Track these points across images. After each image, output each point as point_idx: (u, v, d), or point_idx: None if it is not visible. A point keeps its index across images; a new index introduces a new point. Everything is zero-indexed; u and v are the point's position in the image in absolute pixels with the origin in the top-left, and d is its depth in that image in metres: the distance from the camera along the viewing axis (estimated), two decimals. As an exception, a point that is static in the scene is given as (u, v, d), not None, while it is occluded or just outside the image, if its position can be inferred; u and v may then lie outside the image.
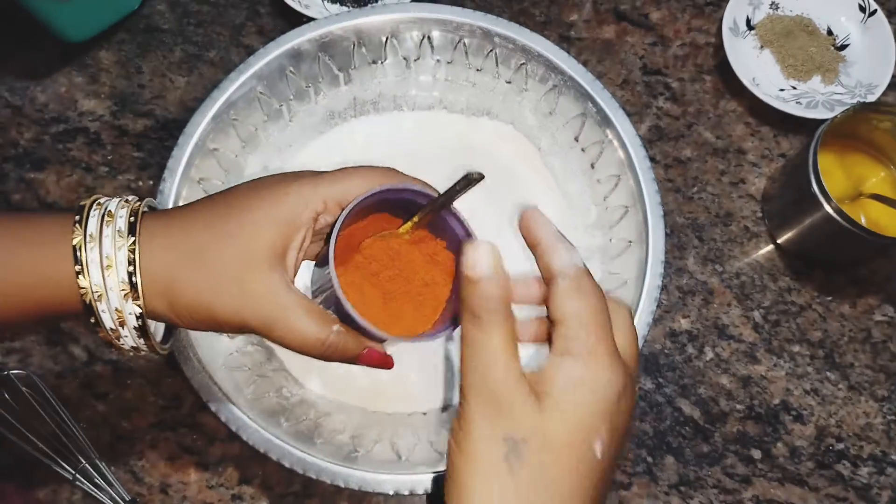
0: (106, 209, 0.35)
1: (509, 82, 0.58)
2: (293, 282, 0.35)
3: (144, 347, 0.36)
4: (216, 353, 0.49)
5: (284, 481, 0.54)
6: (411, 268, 0.39)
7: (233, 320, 0.34)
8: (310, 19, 0.61)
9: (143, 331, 0.35)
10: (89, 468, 0.52)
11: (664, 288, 0.61)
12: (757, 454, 0.57)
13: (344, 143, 0.60)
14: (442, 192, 0.37)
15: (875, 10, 0.67)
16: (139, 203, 0.35)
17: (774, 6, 0.69)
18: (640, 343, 0.48)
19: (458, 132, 0.60)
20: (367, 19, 0.55)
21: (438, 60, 0.58)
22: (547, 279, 0.32)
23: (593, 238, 0.56)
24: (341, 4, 0.67)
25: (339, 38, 0.55)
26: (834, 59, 0.67)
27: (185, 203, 0.36)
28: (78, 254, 0.33)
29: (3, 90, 0.65)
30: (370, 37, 0.56)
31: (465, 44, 0.56)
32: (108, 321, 0.34)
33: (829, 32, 0.69)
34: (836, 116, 0.55)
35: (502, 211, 0.58)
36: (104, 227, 0.34)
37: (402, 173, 0.38)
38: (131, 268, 0.33)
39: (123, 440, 0.55)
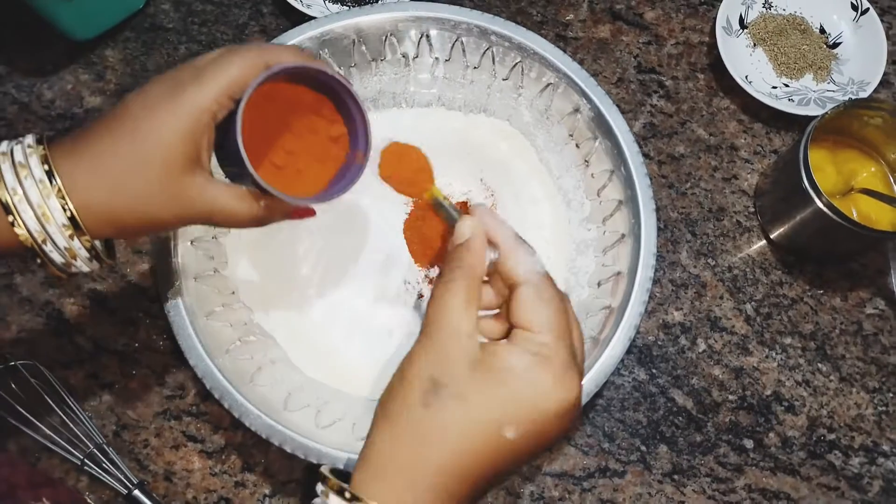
0: (14, 160, 0.36)
1: (506, 80, 0.59)
2: (212, 173, 0.39)
3: (80, 250, 0.38)
4: (219, 342, 0.50)
5: (286, 469, 0.55)
6: (311, 127, 0.43)
7: (176, 222, 0.39)
8: (312, 18, 0.62)
9: (74, 223, 0.36)
10: (97, 453, 0.53)
11: (658, 281, 0.62)
12: (749, 444, 0.58)
13: (344, 139, 0.61)
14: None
15: (867, 9, 0.68)
16: (43, 149, 0.37)
17: (767, 5, 0.71)
18: (633, 333, 0.50)
19: (455, 129, 0.62)
20: (366, 18, 0.56)
21: (437, 58, 0.59)
22: (510, 283, 0.35)
23: (588, 231, 0.57)
24: (342, 4, 0.68)
25: (339, 36, 0.56)
26: (826, 57, 0.68)
27: (83, 129, 0.38)
28: (8, 207, 0.35)
29: (11, 87, 0.66)
30: (370, 35, 0.57)
31: (462, 42, 0.57)
32: (57, 258, 0.37)
33: (822, 31, 0.70)
34: (826, 113, 0.57)
35: (500, 206, 0.59)
36: (22, 179, 0.35)
37: (278, 46, 0.40)
38: (67, 212, 0.36)
39: (128, 429, 0.56)
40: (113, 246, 0.42)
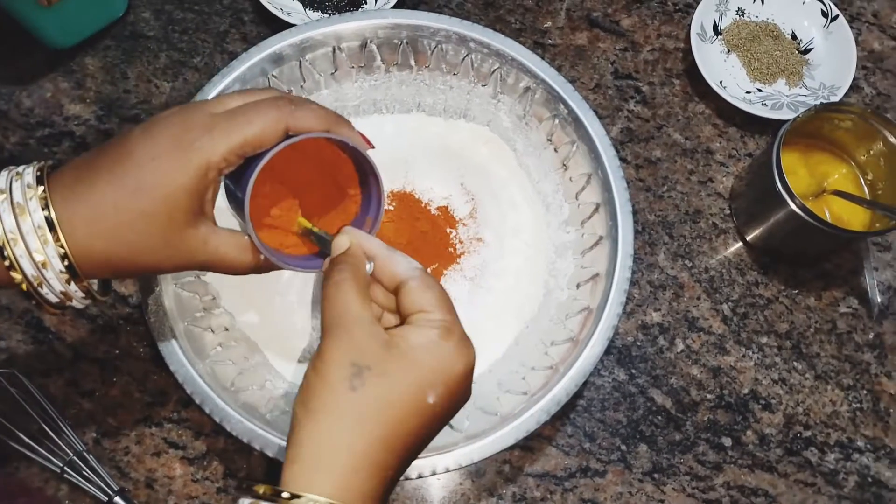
0: (13, 201, 0.35)
1: (485, 86, 0.60)
2: (215, 221, 0.39)
3: (76, 292, 0.37)
4: (200, 348, 0.50)
5: (269, 475, 0.55)
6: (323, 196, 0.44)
7: (175, 270, 0.39)
8: (292, 26, 0.63)
9: (71, 271, 0.36)
10: (77, 461, 0.53)
11: (636, 283, 0.63)
12: (727, 442, 0.59)
13: (325, 145, 0.61)
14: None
15: (837, 16, 0.70)
16: (44, 191, 0.36)
17: (741, 12, 0.72)
18: (612, 333, 0.50)
19: (436, 134, 0.62)
20: (346, 25, 0.57)
21: (416, 65, 0.59)
22: (394, 284, 0.38)
23: (567, 234, 0.58)
24: (322, 11, 0.69)
25: (319, 43, 0.57)
26: (798, 63, 0.70)
27: (84, 164, 0.37)
28: (3, 250, 0.35)
29: (-10, 96, 0.66)
30: (350, 42, 0.58)
31: (441, 49, 0.58)
32: (52, 299, 0.37)
33: (794, 37, 0.72)
34: (798, 116, 0.58)
35: (480, 210, 0.60)
36: (21, 223, 0.35)
37: (303, 105, 0.38)
38: (66, 261, 0.35)
39: (109, 436, 0.56)
40: (109, 282, 0.42)
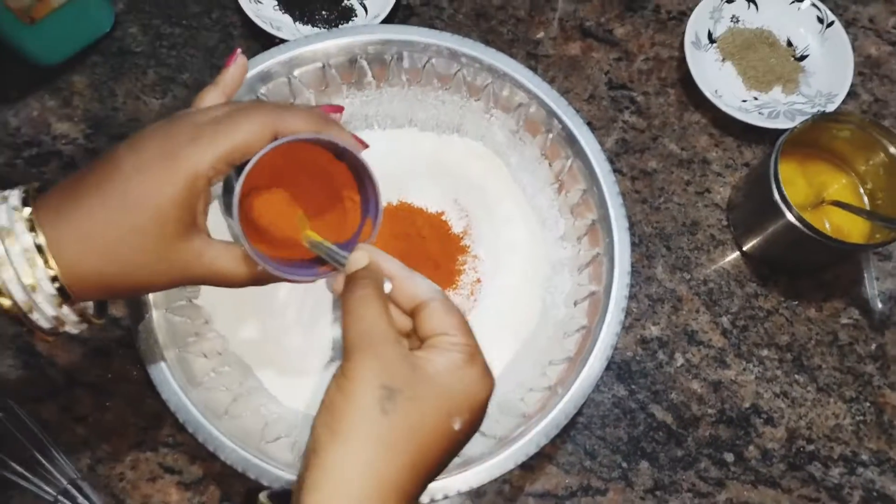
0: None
1: (478, 100, 0.59)
2: (209, 233, 0.38)
3: (69, 316, 0.36)
4: (193, 374, 0.50)
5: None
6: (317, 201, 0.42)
7: (170, 286, 0.38)
8: (282, 41, 0.62)
9: (63, 294, 0.35)
10: (71, 489, 0.52)
11: (634, 296, 0.62)
12: (730, 457, 0.58)
13: (317, 163, 0.60)
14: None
15: (833, 22, 0.69)
16: (30, 213, 0.35)
17: (735, 19, 0.71)
18: (610, 352, 0.50)
19: (429, 150, 0.61)
20: (336, 41, 0.56)
21: (408, 80, 0.59)
22: (412, 305, 0.36)
23: (563, 250, 0.57)
24: (312, 26, 0.68)
25: (308, 60, 0.56)
26: (794, 70, 0.69)
27: (72, 182, 0.36)
28: None
29: (-24, 116, 0.65)
30: (339, 58, 0.57)
31: (433, 64, 0.57)
32: (44, 324, 0.36)
33: (789, 44, 0.71)
34: (795, 127, 0.57)
35: (474, 226, 0.59)
36: (8, 247, 0.34)
37: (290, 108, 0.38)
38: (56, 284, 0.34)
39: (103, 462, 0.55)
40: (105, 305, 0.41)
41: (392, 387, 0.33)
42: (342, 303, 0.36)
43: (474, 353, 0.35)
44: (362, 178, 0.41)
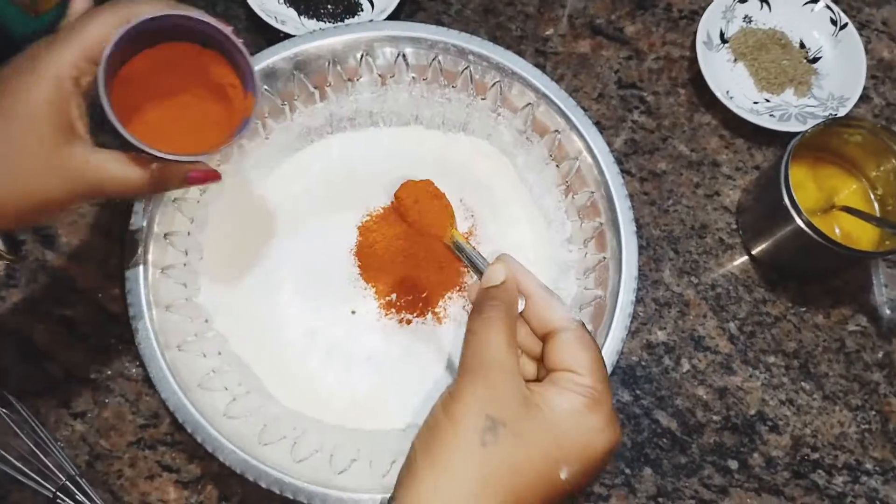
0: None
1: (484, 99, 0.58)
2: (92, 141, 0.37)
3: None
4: (192, 373, 0.49)
5: (265, 499, 0.54)
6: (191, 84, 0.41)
7: (67, 198, 0.37)
8: (286, 35, 0.61)
9: None
10: (69, 485, 0.52)
11: (641, 300, 0.61)
12: (734, 465, 0.57)
13: (321, 160, 0.60)
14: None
15: (846, 24, 0.68)
16: None
17: (748, 20, 0.70)
18: (616, 359, 0.49)
19: (434, 148, 0.61)
20: (341, 38, 0.55)
21: (414, 77, 0.58)
22: (545, 331, 0.35)
23: (569, 252, 0.56)
24: (318, 20, 0.67)
25: (313, 57, 0.55)
26: (806, 72, 0.68)
27: None
28: None
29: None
30: (345, 55, 0.56)
31: (439, 61, 0.56)
32: None
33: (802, 45, 0.70)
34: (806, 131, 0.56)
35: (480, 226, 0.58)
36: None
37: (138, 1, 0.38)
38: None
39: (102, 459, 0.55)
40: (16, 240, 0.40)
41: (497, 418, 0.31)
42: (468, 318, 0.35)
43: (600, 400, 0.33)
44: (233, 55, 0.40)
